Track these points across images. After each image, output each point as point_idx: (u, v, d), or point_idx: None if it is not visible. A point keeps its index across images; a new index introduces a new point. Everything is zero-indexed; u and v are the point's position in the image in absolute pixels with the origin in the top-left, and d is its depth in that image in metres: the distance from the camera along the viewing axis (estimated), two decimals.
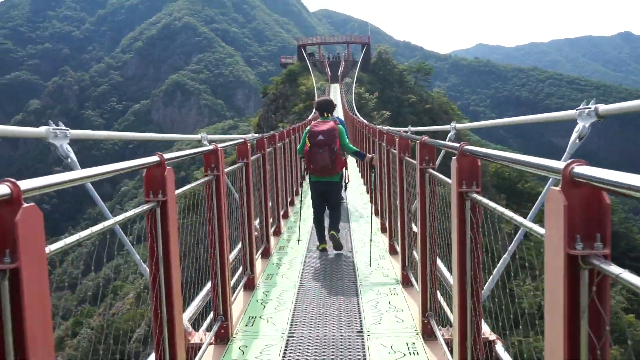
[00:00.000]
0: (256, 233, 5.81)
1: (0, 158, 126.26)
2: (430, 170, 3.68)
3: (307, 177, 6.78)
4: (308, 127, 6.43)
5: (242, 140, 5.19)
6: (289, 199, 9.88)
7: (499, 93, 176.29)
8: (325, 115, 6.61)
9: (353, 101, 38.09)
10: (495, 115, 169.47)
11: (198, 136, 3.52)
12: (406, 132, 5.33)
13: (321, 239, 6.62)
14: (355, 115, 21.76)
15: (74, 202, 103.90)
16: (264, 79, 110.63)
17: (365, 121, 15.99)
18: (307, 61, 57.23)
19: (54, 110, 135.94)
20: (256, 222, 5.92)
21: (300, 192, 11.16)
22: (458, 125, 3.63)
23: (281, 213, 8.35)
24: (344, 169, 6.64)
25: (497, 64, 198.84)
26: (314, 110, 34.63)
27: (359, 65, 55.35)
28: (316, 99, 7.89)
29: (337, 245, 6.38)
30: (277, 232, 7.70)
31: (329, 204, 6.66)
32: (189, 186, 3.30)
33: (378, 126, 8.81)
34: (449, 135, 3.72)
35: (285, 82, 53.12)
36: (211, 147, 3.79)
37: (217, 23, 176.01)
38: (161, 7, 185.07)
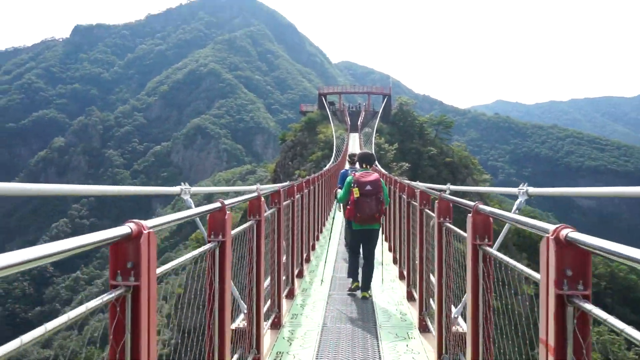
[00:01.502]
0: (284, 277, 6.21)
1: None
2: (447, 224, 4.09)
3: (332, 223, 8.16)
4: (351, 177, 6.72)
5: (276, 188, 5.84)
6: (311, 244, 10.25)
7: (518, 149, 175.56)
8: (365, 166, 7.02)
9: (372, 151, 37.51)
10: (514, 171, 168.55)
11: (177, 188, 3.29)
12: (444, 190, 5.18)
13: (355, 277, 7.09)
14: (377, 166, 21.15)
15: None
16: (284, 126, 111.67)
17: (385, 172, 15.57)
18: (327, 110, 57.27)
19: (77, 148, 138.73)
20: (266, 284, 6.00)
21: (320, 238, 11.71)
22: (531, 190, 3.50)
23: (304, 257, 8.79)
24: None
25: (517, 121, 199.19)
26: (332, 159, 34.19)
27: (379, 116, 55.19)
28: (358, 152, 8.08)
29: (364, 297, 6.86)
30: (300, 275, 8.09)
31: (367, 250, 6.99)
32: (239, 229, 3.76)
33: (407, 181, 8.40)
34: (518, 201, 3.48)
35: (304, 130, 52.99)
36: (256, 194, 4.27)
37: (241, 70, 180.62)
38: (188, 54, 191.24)
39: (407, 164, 42.40)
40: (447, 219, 4.15)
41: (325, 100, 61.12)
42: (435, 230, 4.32)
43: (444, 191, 4.82)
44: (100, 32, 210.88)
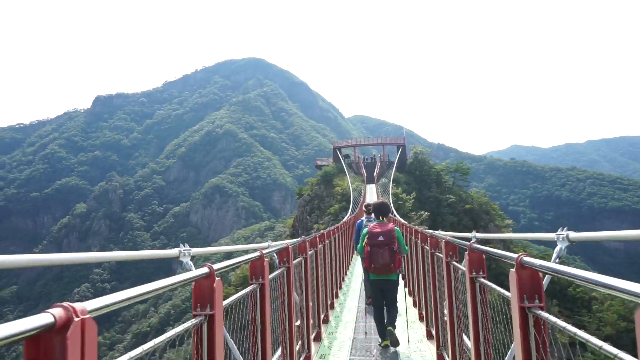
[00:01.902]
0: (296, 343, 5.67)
1: None
2: (454, 263, 4.00)
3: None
4: (366, 229, 6.77)
5: (284, 245, 5.16)
6: (329, 302, 9.74)
7: (538, 193, 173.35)
8: (381, 218, 6.96)
9: (390, 201, 37.17)
10: (535, 215, 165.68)
11: (175, 251, 2.80)
12: (470, 239, 4.56)
13: (382, 335, 6.92)
14: (394, 215, 20.85)
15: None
16: (301, 181, 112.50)
17: (404, 221, 15.25)
18: (343, 162, 57.47)
19: (98, 213, 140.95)
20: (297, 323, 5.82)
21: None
22: (572, 235, 2.86)
23: (322, 317, 8.13)
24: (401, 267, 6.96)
25: (534, 164, 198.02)
26: (350, 209, 34.00)
27: (395, 166, 55.12)
28: (373, 202, 7.79)
29: (395, 342, 6.72)
30: (318, 338, 7.47)
31: (388, 300, 6.87)
32: (233, 297, 3.30)
33: (430, 231, 8.05)
34: (558, 248, 2.92)
35: (321, 184, 53.02)
36: (258, 254, 3.83)
37: (256, 129, 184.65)
38: (204, 117, 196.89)
39: (426, 213, 41.84)
40: (481, 273, 3.72)
41: (340, 154, 61.54)
42: (468, 286, 3.82)
43: (471, 240, 4.31)
44: (120, 100, 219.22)
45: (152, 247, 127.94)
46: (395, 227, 6.80)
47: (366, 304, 8.60)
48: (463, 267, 4.09)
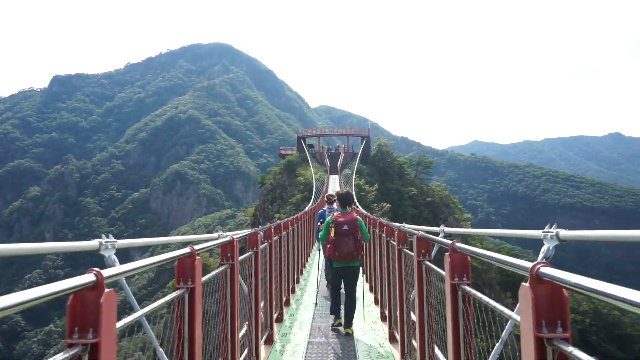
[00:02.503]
0: (260, 320, 6.00)
1: None
2: (427, 263, 4.03)
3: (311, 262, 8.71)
4: (330, 218, 7.02)
5: (228, 238, 4.88)
6: (291, 286, 10.13)
7: (495, 188, 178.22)
8: (344, 207, 7.24)
9: (353, 192, 37.30)
10: (492, 210, 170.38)
11: (95, 242, 2.53)
12: (438, 233, 4.62)
13: (337, 314, 7.42)
14: (357, 206, 20.90)
15: None
16: (264, 169, 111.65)
17: (366, 212, 15.30)
18: (307, 152, 57.32)
19: (52, 197, 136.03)
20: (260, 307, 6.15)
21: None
22: (563, 233, 2.79)
23: (284, 300, 8.71)
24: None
25: (494, 160, 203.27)
26: (312, 199, 33.91)
27: (358, 157, 55.34)
28: (337, 191, 7.89)
29: (348, 333, 7.11)
30: (280, 319, 7.95)
31: (349, 287, 7.21)
32: (210, 274, 3.70)
33: (393, 224, 8.03)
34: (545, 247, 2.72)
35: (284, 173, 52.76)
36: (228, 238, 4.23)
37: (221, 116, 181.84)
38: (167, 101, 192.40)
39: (388, 205, 42.26)
40: (427, 257, 4.10)
41: (304, 143, 61.39)
42: (415, 269, 4.23)
43: (439, 234, 4.36)
44: (79, 81, 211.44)
45: (109, 234, 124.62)
46: (358, 217, 7.03)
47: (326, 287, 9.11)
48: (412, 253, 4.45)
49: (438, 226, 4.51)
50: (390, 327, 6.68)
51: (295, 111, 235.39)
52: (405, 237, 5.51)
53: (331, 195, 9.35)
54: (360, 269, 7.55)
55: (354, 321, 7.51)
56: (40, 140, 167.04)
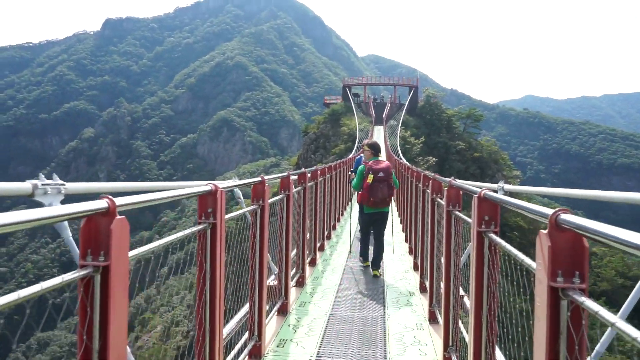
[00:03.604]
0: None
1: None
2: (456, 212, 3.96)
3: (350, 209, 8.74)
4: (363, 166, 7.38)
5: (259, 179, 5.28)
6: (326, 233, 10.29)
7: (547, 145, 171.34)
8: (378, 155, 7.64)
9: (398, 145, 36.65)
10: (543, 168, 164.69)
11: (27, 185, 1.81)
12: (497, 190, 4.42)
13: (365, 257, 7.93)
14: (401, 159, 20.55)
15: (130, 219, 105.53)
16: (309, 119, 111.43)
17: (406, 162, 15.03)
18: (352, 102, 56.13)
19: (105, 139, 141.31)
20: (293, 253, 6.38)
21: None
22: (507, 187, 3.69)
23: (318, 245, 8.81)
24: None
25: (547, 116, 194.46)
26: (355, 148, 33.53)
27: (405, 108, 53.92)
28: (368, 140, 8.34)
29: (376, 275, 7.53)
30: (313, 263, 8.14)
31: (378, 232, 7.65)
32: (236, 213, 3.78)
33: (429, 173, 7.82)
34: (498, 192, 3.52)
35: (327, 122, 52.14)
36: (259, 179, 4.35)
37: (267, 64, 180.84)
38: (215, 47, 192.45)
39: (433, 159, 41.47)
40: (457, 207, 4.02)
41: (350, 92, 60.01)
42: (444, 218, 4.19)
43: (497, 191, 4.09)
44: (130, 25, 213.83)
45: (159, 177, 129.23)
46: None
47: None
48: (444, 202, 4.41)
49: (485, 182, 4.42)
50: (421, 277, 6.75)
51: (342, 60, 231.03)
52: (439, 186, 5.44)
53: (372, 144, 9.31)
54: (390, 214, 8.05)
55: (387, 269, 8.13)
56: (94, 83, 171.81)
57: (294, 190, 6.01)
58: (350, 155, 21.77)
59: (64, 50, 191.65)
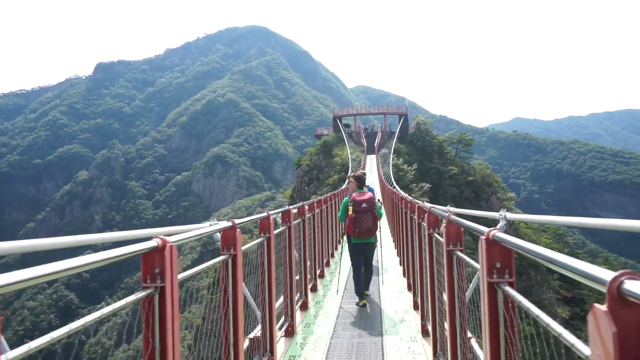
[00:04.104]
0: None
1: (47, 225, 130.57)
2: (458, 253, 3.43)
3: (342, 242, 8.56)
4: (347, 198, 7.69)
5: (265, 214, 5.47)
6: (325, 260, 10.73)
7: (539, 166, 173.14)
8: (362, 187, 7.87)
9: (391, 173, 37.14)
10: (536, 188, 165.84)
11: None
12: (447, 212, 4.20)
13: (361, 296, 7.79)
14: (395, 188, 20.82)
15: (113, 271, 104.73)
16: (302, 151, 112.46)
17: (400, 191, 14.80)
18: (343, 132, 56.35)
19: (100, 180, 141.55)
20: (296, 279, 6.67)
21: (335, 255, 12.37)
22: (509, 215, 3.33)
23: (318, 272, 9.27)
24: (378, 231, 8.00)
25: (536, 137, 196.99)
26: (347, 181, 33.86)
27: (396, 136, 54.46)
28: (354, 173, 8.76)
29: (368, 301, 7.93)
30: (314, 289, 8.63)
31: (367, 261, 7.94)
32: (250, 244, 4.31)
33: (421, 202, 7.34)
34: (499, 225, 3.20)
35: (320, 154, 52.52)
36: (265, 214, 4.76)
37: (258, 99, 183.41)
38: (206, 85, 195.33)
39: (427, 185, 41.88)
40: (458, 247, 3.52)
41: (341, 123, 60.68)
42: (445, 259, 3.66)
43: (448, 213, 3.93)
44: (121, 68, 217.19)
45: (154, 216, 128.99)
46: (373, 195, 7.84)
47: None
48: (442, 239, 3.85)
49: (480, 206, 4.13)
50: (422, 318, 6.17)
51: (332, 92, 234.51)
52: (436, 220, 4.83)
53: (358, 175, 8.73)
54: (377, 243, 8.51)
55: (382, 291, 8.73)
56: (87, 126, 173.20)
57: (275, 232, 5.31)
58: (344, 186, 22.10)
59: (56, 96, 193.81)
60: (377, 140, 56.68)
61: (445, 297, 3.90)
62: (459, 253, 3.43)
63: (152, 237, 2.29)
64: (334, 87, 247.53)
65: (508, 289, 2.18)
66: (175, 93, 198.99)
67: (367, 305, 7.62)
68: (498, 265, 2.29)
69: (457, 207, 5.99)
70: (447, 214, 3.74)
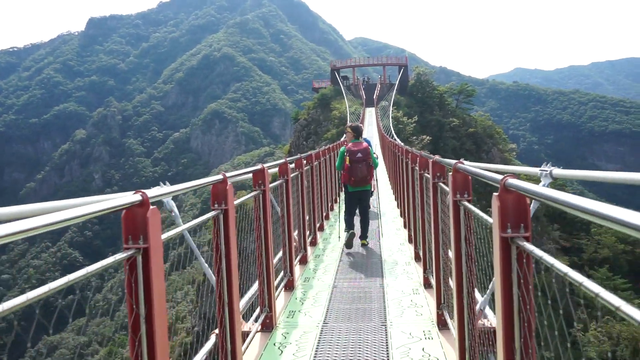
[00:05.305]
0: (295, 243, 6.56)
1: (48, 185, 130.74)
2: (466, 204, 3.21)
3: (342, 192, 8.66)
4: (344, 148, 8.07)
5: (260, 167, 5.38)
6: (324, 214, 10.68)
7: (539, 117, 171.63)
8: (359, 138, 8.19)
9: (390, 125, 36.72)
10: (535, 139, 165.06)
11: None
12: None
13: (350, 227, 8.13)
14: (395, 139, 20.57)
15: (115, 228, 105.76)
16: (300, 106, 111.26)
17: (401, 143, 14.79)
18: (341, 84, 55.21)
19: (97, 139, 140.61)
20: (295, 233, 6.67)
21: (334, 208, 12.40)
22: (556, 172, 2.83)
23: (317, 225, 9.18)
24: (373, 180, 8.62)
25: (537, 87, 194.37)
26: (345, 133, 33.50)
27: (396, 88, 53.59)
28: (350, 124, 9.02)
29: (364, 244, 8.36)
30: (314, 243, 8.59)
31: (362, 208, 8.32)
32: (243, 198, 4.12)
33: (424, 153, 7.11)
34: (541, 184, 2.78)
35: (318, 107, 51.68)
36: (259, 167, 4.61)
37: (255, 53, 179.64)
38: (201, 39, 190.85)
39: (428, 137, 41.58)
40: (466, 196, 3.27)
41: (339, 76, 59.35)
42: (451, 211, 3.43)
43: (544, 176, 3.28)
44: (114, 23, 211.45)
45: (154, 174, 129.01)
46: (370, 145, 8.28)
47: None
48: (448, 189, 3.65)
49: (481, 158, 3.87)
50: (424, 271, 5.97)
51: (330, 44, 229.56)
52: (442, 169, 4.63)
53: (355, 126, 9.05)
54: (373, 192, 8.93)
55: (382, 240, 8.87)
56: (82, 83, 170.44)
57: (271, 185, 5.47)
58: (342, 139, 21.87)
59: (49, 53, 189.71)
60: (376, 93, 55.89)
61: (450, 250, 3.79)
62: (467, 204, 3.19)
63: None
64: (332, 40, 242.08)
65: (525, 244, 1.96)
66: (170, 48, 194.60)
67: (367, 258, 7.70)
68: (512, 218, 2.07)
69: (457, 159, 5.53)
70: (454, 163, 3.46)
